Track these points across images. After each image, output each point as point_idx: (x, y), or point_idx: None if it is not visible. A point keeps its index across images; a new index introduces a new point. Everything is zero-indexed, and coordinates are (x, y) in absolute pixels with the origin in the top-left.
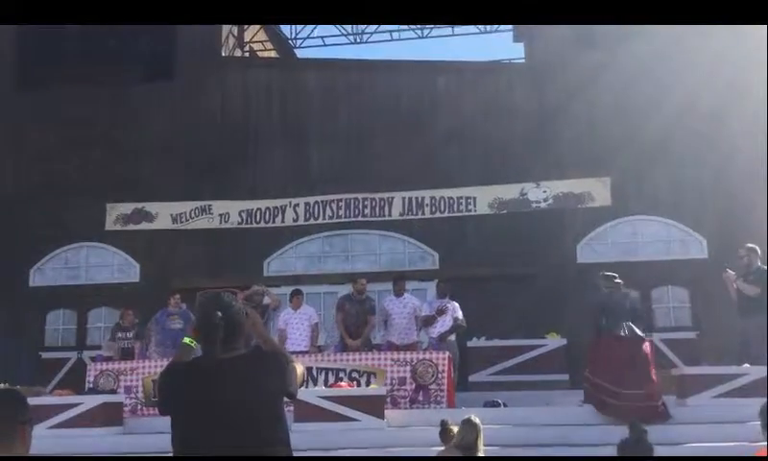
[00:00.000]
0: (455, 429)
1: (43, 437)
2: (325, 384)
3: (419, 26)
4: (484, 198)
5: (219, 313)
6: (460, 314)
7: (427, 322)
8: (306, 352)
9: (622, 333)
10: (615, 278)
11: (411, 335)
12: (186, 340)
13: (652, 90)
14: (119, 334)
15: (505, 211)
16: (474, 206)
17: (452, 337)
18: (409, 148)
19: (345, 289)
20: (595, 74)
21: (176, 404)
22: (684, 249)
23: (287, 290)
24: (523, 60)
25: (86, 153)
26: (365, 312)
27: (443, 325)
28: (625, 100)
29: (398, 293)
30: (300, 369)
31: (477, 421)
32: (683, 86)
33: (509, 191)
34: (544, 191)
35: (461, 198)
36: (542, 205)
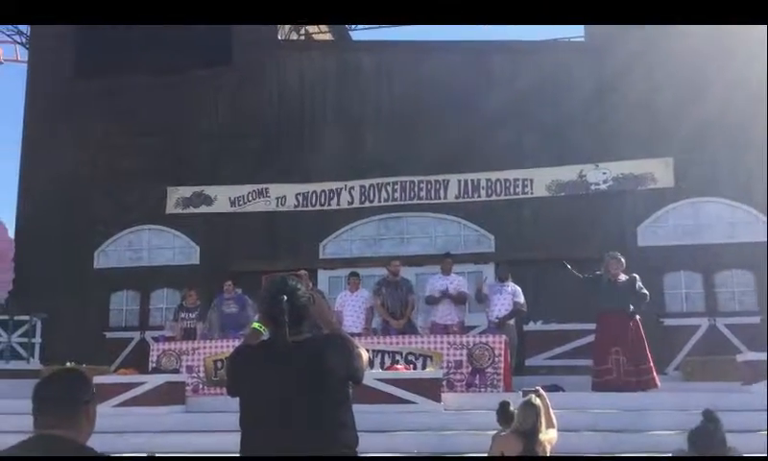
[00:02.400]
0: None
1: (108, 415)
2: (382, 367)
3: None
4: (541, 180)
5: (285, 297)
6: (521, 298)
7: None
8: (362, 335)
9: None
10: (619, 258)
11: (454, 315)
12: (255, 324)
13: (716, 67)
14: (182, 314)
15: (563, 194)
16: (531, 189)
17: (511, 321)
18: (464, 129)
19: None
20: (655, 53)
21: (244, 386)
22: (750, 231)
23: (342, 273)
24: (582, 39)
25: (147, 138)
26: (402, 294)
27: (502, 308)
28: (686, 78)
29: (446, 272)
30: (365, 355)
31: (538, 402)
32: (750, 63)
33: (567, 173)
34: (604, 173)
35: (517, 180)
36: (602, 186)
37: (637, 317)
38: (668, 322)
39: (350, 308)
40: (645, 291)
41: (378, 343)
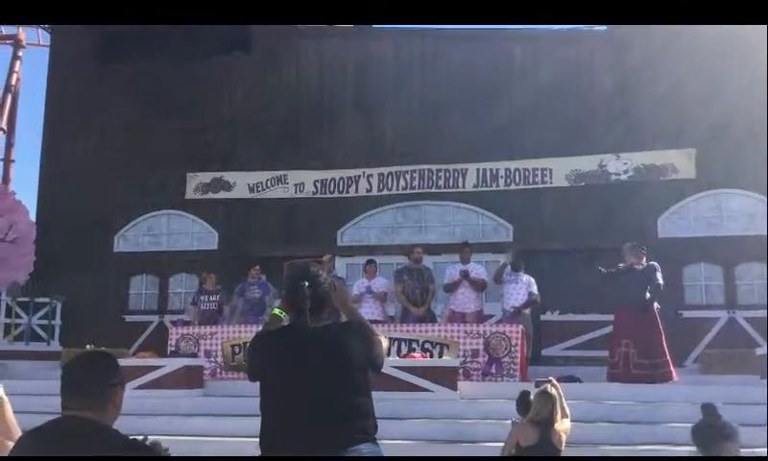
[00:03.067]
0: None
1: (128, 397)
2: (398, 354)
3: None
4: (561, 170)
5: (306, 284)
6: (535, 288)
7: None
8: (379, 322)
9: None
10: (643, 250)
11: (471, 304)
12: (276, 310)
13: (739, 57)
14: (202, 297)
15: (583, 184)
16: (551, 178)
17: (527, 311)
18: (484, 118)
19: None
20: (678, 43)
21: (265, 371)
22: None
23: (360, 260)
24: (605, 28)
25: (167, 124)
26: (424, 281)
27: (517, 298)
28: (710, 69)
29: (464, 260)
30: (384, 342)
31: (554, 392)
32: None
33: (587, 163)
34: (625, 163)
35: (536, 170)
36: (622, 177)
37: (655, 308)
38: (687, 314)
39: (368, 295)
40: (659, 281)
41: (395, 331)
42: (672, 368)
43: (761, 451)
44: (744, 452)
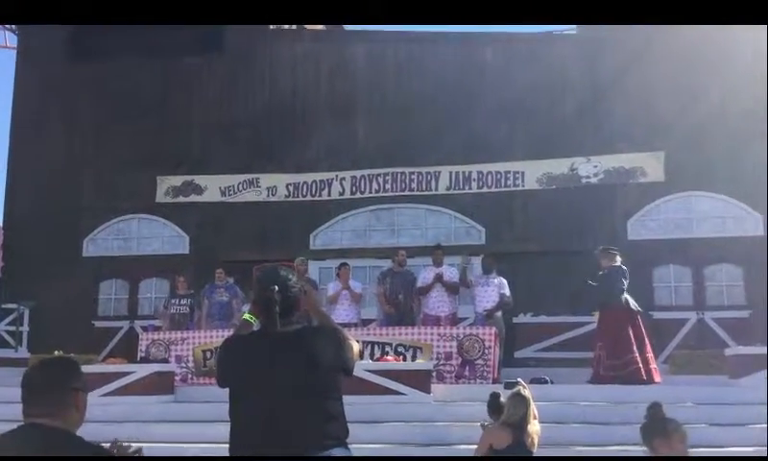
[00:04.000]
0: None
1: (96, 404)
2: (372, 358)
3: None
4: (532, 172)
5: (276, 288)
6: (507, 290)
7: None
8: (353, 325)
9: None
10: (614, 251)
11: (446, 306)
12: (246, 315)
13: (707, 62)
14: (173, 300)
15: (554, 186)
16: (522, 181)
17: (499, 313)
18: (456, 121)
19: (390, 263)
20: (650, 46)
21: (234, 377)
22: (740, 226)
23: (333, 263)
24: (575, 31)
25: (137, 125)
26: (407, 284)
27: (488, 300)
28: (681, 73)
29: (437, 263)
30: (356, 346)
31: (527, 394)
32: (739, 57)
33: (558, 166)
34: (595, 166)
35: (509, 172)
36: (593, 180)
37: (632, 308)
38: (657, 315)
39: (341, 299)
40: (620, 284)
41: (368, 334)
42: (642, 366)
43: (761, 451)
44: (712, 452)
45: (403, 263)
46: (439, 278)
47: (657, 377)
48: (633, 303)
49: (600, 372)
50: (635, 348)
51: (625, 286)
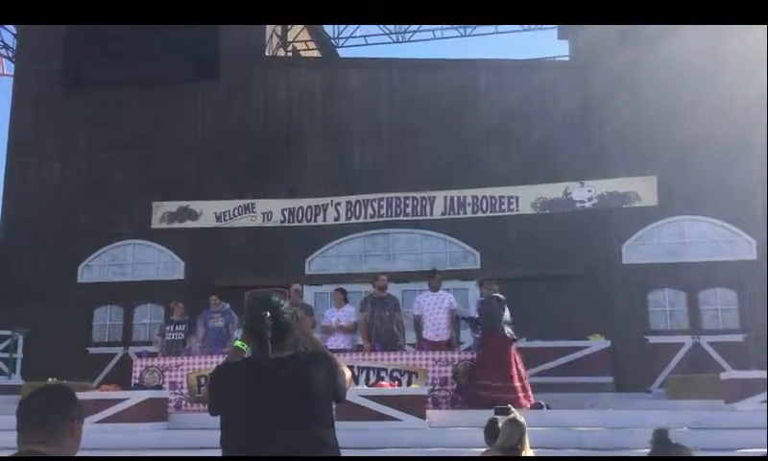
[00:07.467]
0: None
1: (89, 432)
2: (367, 383)
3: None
4: (527, 197)
5: (268, 313)
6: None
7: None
8: (348, 351)
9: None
10: (490, 280)
11: (445, 332)
12: (237, 343)
13: (699, 87)
14: (168, 327)
15: (548, 211)
16: (517, 206)
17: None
18: (451, 147)
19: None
20: (640, 72)
21: (225, 405)
22: (733, 250)
23: (328, 289)
24: (567, 58)
25: (133, 152)
26: (389, 310)
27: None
28: (671, 98)
29: (434, 288)
30: (348, 373)
31: (522, 420)
32: (734, 84)
33: (552, 190)
34: (589, 190)
35: (503, 197)
36: (587, 204)
37: (506, 335)
38: (652, 339)
39: (337, 326)
40: (496, 313)
41: (363, 359)
42: (521, 394)
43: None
44: None
45: (384, 288)
46: (438, 309)
47: (527, 403)
48: (509, 332)
49: (479, 393)
50: (513, 372)
51: (501, 315)
